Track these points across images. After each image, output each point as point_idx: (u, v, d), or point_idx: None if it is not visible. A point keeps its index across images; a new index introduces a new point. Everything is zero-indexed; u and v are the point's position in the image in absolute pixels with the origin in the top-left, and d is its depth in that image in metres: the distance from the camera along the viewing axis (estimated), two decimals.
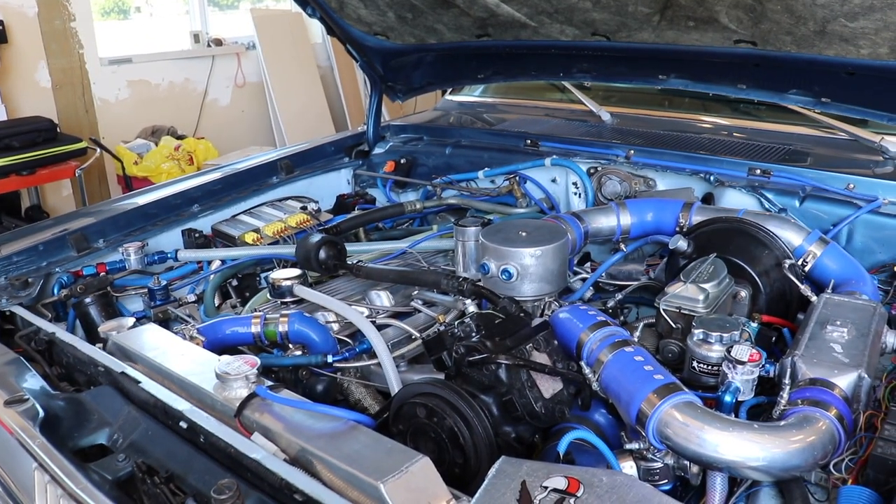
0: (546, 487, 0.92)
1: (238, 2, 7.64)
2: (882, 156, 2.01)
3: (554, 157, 2.26)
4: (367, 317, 1.55)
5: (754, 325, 1.35)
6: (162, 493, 1.10)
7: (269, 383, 1.22)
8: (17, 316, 1.71)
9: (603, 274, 1.74)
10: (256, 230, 2.12)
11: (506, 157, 2.36)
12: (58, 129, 4.57)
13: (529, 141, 2.41)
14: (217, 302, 1.89)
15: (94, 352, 1.42)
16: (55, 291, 1.81)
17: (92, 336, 1.68)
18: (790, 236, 1.60)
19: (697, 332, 1.25)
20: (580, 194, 2.23)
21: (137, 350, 1.38)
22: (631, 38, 1.93)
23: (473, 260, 1.70)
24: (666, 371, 1.17)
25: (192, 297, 1.89)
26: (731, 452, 1.02)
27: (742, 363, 1.15)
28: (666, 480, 1.13)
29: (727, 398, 1.14)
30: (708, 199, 1.98)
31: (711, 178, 1.99)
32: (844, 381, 1.12)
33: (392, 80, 2.65)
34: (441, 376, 1.27)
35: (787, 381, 1.14)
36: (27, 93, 5.03)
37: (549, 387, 1.24)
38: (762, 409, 1.20)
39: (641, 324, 1.45)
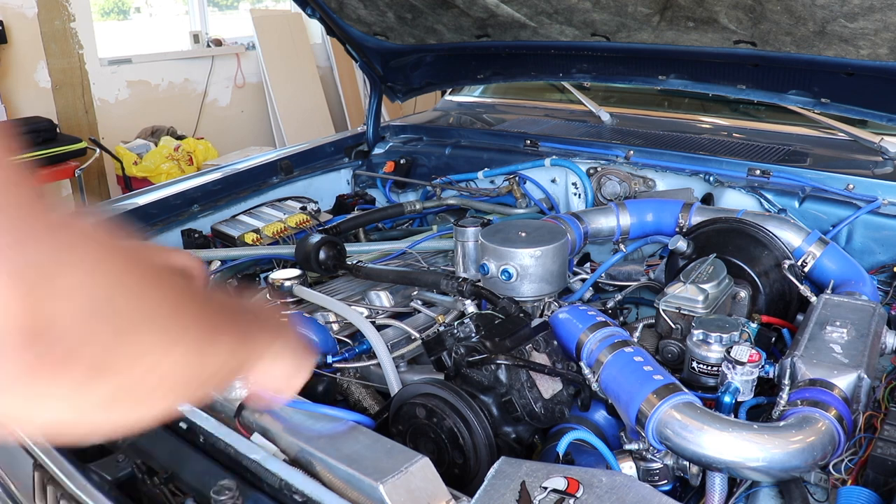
0: (545, 488, 0.92)
1: (238, 2, 7.64)
2: (881, 156, 2.01)
3: (553, 157, 2.26)
4: (367, 317, 1.55)
5: (754, 325, 1.35)
6: (161, 493, 1.10)
7: None
8: None
9: (602, 274, 1.74)
10: (256, 230, 2.12)
11: (505, 157, 2.37)
12: (57, 130, 4.57)
13: (529, 141, 2.41)
14: None
15: None
16: None
17: None
18: (790, 237, 1.60)
19: (697, 333, 1.25)
20: (580, 195, 2.23)
21: None
22: (630, 38, 1.93)
23: (473, 260, 1.70)
24: (665, 371, 1.17)
25: None
26: (731, 453, 1.02)
27: (741, 364, 1.15)
28: (665, 481, 1.13)
29: (726, 399, 1.14)
30: (707, 199, 1.98)
31: (711, 178, 1.99)
32: (844, 382, 1.12)
33: (392, 80, 2.66)
34: (441, 377, 1.27)
35: (786, 381, 1.14)
36: (27, 93, 5.03)
37: (548, 387, 1.24)
38: (762, 410, 1.20)
39: (641, 324, 1.45)
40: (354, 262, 1.80)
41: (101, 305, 0.45)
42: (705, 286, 1.36)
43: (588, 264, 1.87)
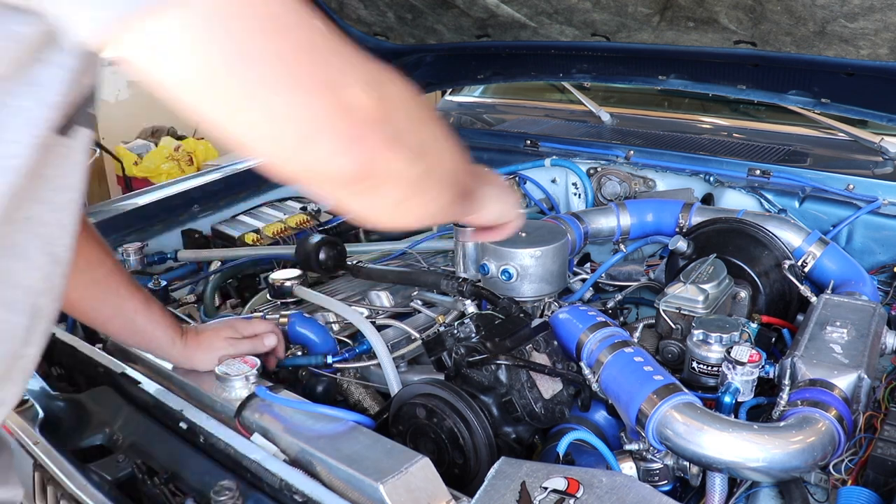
0: (546, 488, 0.92)
1: None
2: (881, 156, 2.01)
3: (554, 157, 2.26)
4: (367, 317, 1.55)
5: (754, 325, 1.35)
6: (162, 493, 1.10)
7: (269, 384, 1.22)
8: None
9: (603, 274, 1.74)
10: (256, 231, 2.12)
11: (505, 157, 2.37)
12: None
13: (529, 141, 2.41)
14: (217, 302, 1.89)
15: (94, 352, 1.42)
16: None
17: (92, 336, 1.68)
18: (790, 237, 1.60)
19: (697, 333, 1.25)
20: (580, 195, 2.23)
21: (137, 350, 1.38)
22: (630, 38, 1.93)
23: (473, 260, 1.70)
24: (666, 372, 1.17)
25: (191, 298, 1.89)
26: (731, 453, 1.02)
27: (742, 364, 1.15)
28: (665, 481, 1.13)
29: (727, 399, 1.14)
30: (707, 199, 1.98)
31: (711, 178, 1.99)
32: (844, 382, 1.12)
33: None
34: (441, 377, 1.27)
35: (786, 381, 1.14)
36: None
37: (548, 387, 1.24)
38: (762, 410, 1.20)
39: (641, 324, 1.45)
40: (354, 262, 1.80)
41: (420, 112, 0.71)
42: (705, 286, 1.36)
43: (588, 264, 1.87)
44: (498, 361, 1.19)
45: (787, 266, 1.49)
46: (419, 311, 1.65)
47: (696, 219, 1.75)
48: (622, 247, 1.79)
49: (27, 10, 0.56)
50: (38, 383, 1.36)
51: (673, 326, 1.37)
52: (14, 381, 0.77)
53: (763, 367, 1.18)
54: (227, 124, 0.58)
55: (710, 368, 1.23)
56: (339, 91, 0.59)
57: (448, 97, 3.10)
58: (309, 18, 0.58)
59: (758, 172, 1.96)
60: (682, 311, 1.36)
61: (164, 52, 0.54)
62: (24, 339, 0.74)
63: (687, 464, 1.11)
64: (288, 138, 0.59)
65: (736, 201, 1.93)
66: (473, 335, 1.22)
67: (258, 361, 1.25)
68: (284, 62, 0.56)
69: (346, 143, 0.60)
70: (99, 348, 1.46)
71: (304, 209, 2.28)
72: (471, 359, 1.20)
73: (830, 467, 1.05)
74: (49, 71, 0.62)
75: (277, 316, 1.51)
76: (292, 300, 1.67)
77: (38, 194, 0.67)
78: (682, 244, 1.57)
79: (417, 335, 1.54)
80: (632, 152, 2.17)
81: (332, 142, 0.59)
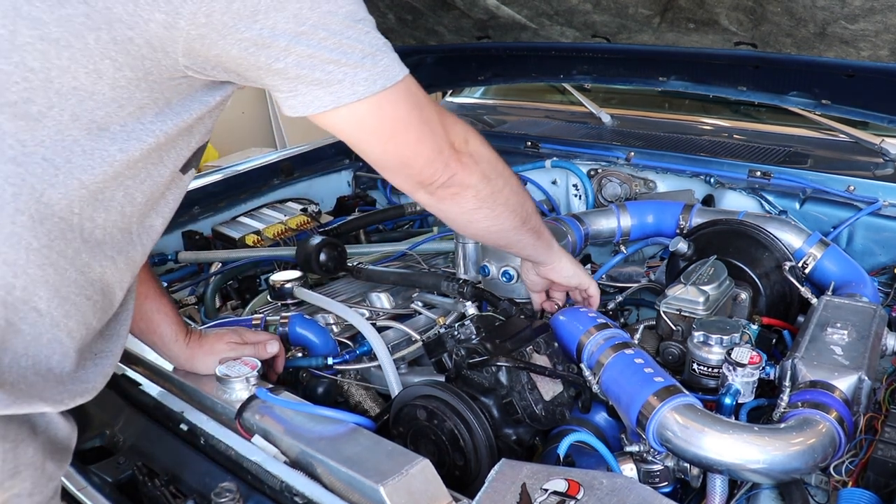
0: (546, 490, 0.92)
1: None
2: (882, 158, 2.01)
3: (554, 158, 2.26)
4: (368, 319, 1.55)
5: (754, 327, 1.35)
6: (162, 495, 1.10)
7: (270, 385, 1.22)
8: None
9: (603, 276, 1.74)
10: (257, 232, 2.12)
11: (506, 158, 2.33)
12: None
13: (530, 143, 2.41)
14: (217, 304, 1.89)
15: None
16: None
17: None
18: (790, 238, 1.60)
19: (697, 335, 1.25)
20: (580, 196, 2.24)
21: (138, 352, 1.38)
22: (631, 39, 1.93)
23: (473, 262, 1.71)
24: (666, 373, 1.17)
25: (192, 300, 1.89)
26: (731, 455, 1.02)
27: (742, 365, 1.15)
28: (666, 483, 1.13)
29: (727, 400, 1.14)
30: (708, 200, 1.98)
31: (712, 179, 1.99)
32: (845, 384, 1.12)
33: None
34: (441, 378, 1.27)
35: (787, 383, 1.14)
36: None
37: (549, 389, 1.24)
38: (762, 412, 1.20)
39: (642, 326, 1.45)
40: (355, 263, 1.80)
41: (492, 156, 1.12)
42: (706, 288, 1.36)
43: (589, 266, 1.87)
44: (498, 363, 1.19)
45: (787, 267, 1.49)
46: (419, 313, 1.65)
47: (696, 220, 1.75)
48: (623, 248, 1.79)
49: (224, 85, 0.89)
50: None
51: (673, 328, 1.37)
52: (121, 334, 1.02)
53: (763, 368, 1.18)
54: (376, 156, 0.96)
55: (710, 370, 1.23)
56: (446, 138, 0.99)
57: (448, 98, 3.10)
58: (426, 101, 0.96)
59: (758, 174, 1.96)
60: (682, 313, 1.36)
61: (341, 122, 0.90)
62: (126, 302, 1.02)
63: (687, 465, 1.11)
64: (415, 163, 0.97)
65: (736, 203, 1.93)
66: (474, 337, 1.22)
67: (259, 363, 1.25)
68: (418, 124, 0.95)
69: (443, 164, 0.99)
70: None
71: (304, 211, 2.28)
72: (471, 360, 1.20)
73: (831, 469, 1.05)
74: (200, 128, 0.93)
75: (278, 318, 1.51)
76: (293, 301, 1.67)
77: (158, 209, 0.97)
78: (682, 245, 1.57)
79: (418, 337, 1.54)
80: (632, 154, 2.17)
81: (436, 164, 0.99)
